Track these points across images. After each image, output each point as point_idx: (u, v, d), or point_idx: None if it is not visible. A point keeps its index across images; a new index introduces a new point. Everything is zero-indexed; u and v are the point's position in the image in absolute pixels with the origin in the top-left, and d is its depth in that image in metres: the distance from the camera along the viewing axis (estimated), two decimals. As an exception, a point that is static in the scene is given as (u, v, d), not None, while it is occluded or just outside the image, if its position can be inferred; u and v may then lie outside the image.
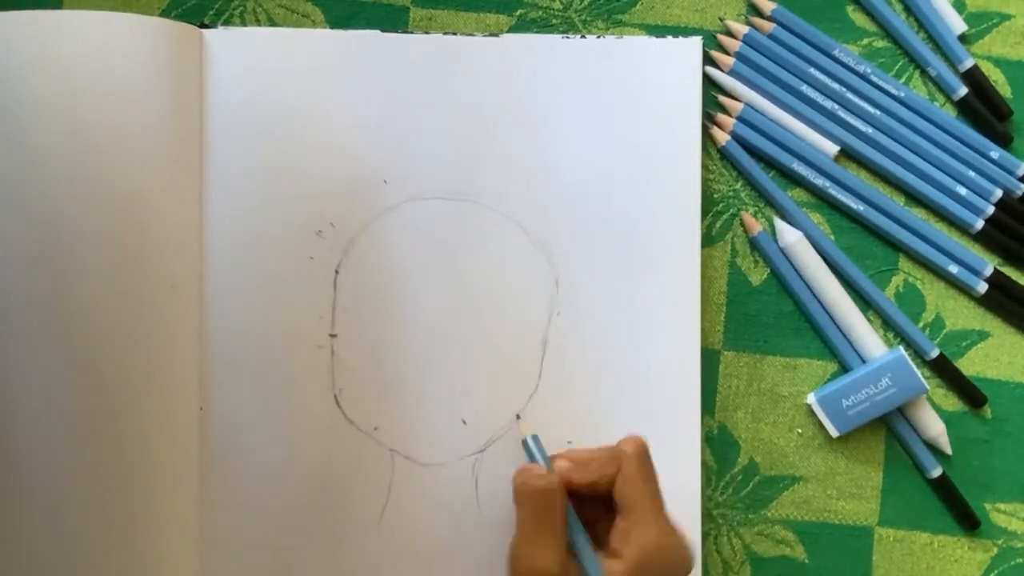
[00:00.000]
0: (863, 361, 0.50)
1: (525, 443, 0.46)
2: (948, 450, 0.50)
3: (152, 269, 0.47)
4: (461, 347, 0.49)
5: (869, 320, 0.51)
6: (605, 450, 0.44)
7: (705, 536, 0.50)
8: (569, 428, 0.48)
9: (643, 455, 0.43)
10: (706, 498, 0.50)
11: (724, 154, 0.51)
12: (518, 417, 0.48)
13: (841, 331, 0.50)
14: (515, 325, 0.49)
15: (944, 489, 0.50)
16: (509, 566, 0.43)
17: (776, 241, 0.51)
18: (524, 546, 0.42)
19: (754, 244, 0.51)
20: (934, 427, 0.50)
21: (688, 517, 0.48)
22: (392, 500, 0.48)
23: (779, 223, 0.51)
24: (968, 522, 0.50)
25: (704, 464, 0.50)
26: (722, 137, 0.51)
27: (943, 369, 0.51)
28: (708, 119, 0.52)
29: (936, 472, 0.50)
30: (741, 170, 0.51)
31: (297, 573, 0.47)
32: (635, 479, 0.43)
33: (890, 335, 0.51)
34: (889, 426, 0.50)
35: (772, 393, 0.50)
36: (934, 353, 0.51)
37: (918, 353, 0.51)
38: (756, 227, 0.51)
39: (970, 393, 0.51)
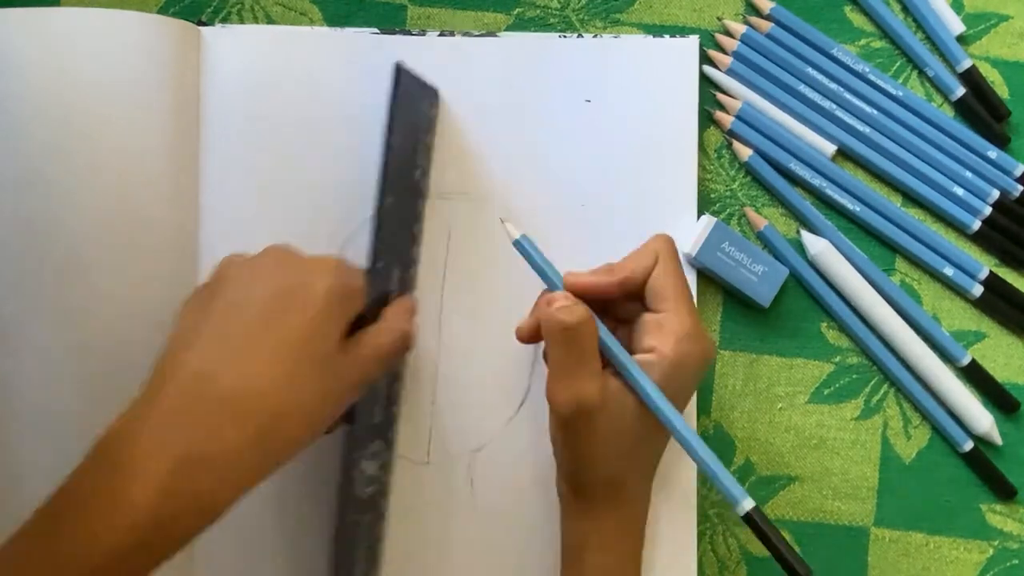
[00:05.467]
0: (904, 366, 0.50)
1: (517, 245, 0.43)
2: (999, 441, 0.50)
3: (149, 264, 0.47)
4: (456, 346, 0.49)
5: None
6: (634, 252, 0.44)
7: (701, 536, 0.49)
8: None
9: (674, 246, 0.44)
10: (702, 497, 0.50)
11: (747, 167, 0.51)
12: (503, 221, 0.43)
13: (879, 336, 0.50)
14: (509, 325, 0.48)
15: (978, 462, 0.50)
16: (551, 409, 0.42)
17: (783, 237, 0.51)
18: (562, 384, 0.41)
19: (761, 239, 0.51)
20: (983, 422, 0.50)
21: (684, 517, 0.48)
22: (389, 498, 0.48)
23: (805, 234, 0.51)
24: (1005, 492, 0.50)
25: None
26: (745, 153, 0.51)
27: (975, 375, 0.51)
28: (709, 118, 0.52)
29: (968, 446, 0.50)
30: (763, 182, 0.51)
31: (295, 570, 0.47)
32: (672, 268, 0.43)
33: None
34: (916, 405, 0.50)
35: (768, 393, 0.50)
36: (965, 360, 0.50)
37: (949, 359, 0.51)
38: (762, 222, 0.51)
39: (1003, 399, 0.51)
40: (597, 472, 0.42)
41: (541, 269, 0.43)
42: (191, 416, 0.36)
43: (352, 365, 0.39)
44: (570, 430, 0.42)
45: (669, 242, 0.44)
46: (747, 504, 0.39)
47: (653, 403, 0.41)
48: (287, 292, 0.38)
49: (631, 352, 0.42)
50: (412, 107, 0.47)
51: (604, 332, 0.42)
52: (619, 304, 0.44)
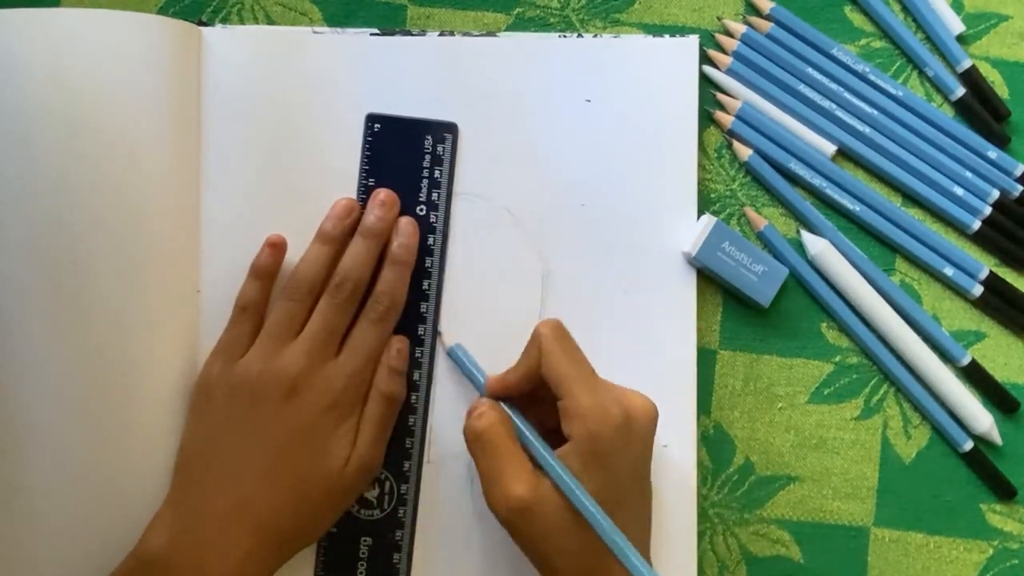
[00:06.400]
0: (904, 366, 0.50)
1: (451, 353, 0.48)
2: (999, 441, 0.50)
3: (149, 263, 0.47)
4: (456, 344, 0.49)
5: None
6: (526, 345, 0.44)
7: (701, 535, 0.50)
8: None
9: (558, 331, 0.43)
10: (702, 497, 0.50)
11: (747, 167, 0.51)
12: (439, 333, 0.48)
13: (879, 336, 0.50)
14: (507, 322, 0.49)
15: (978, 462, 0.50)
16: (493, 512, 0.42)
17: (783, 237, 0.51)
18: (490, 490, 0.42)
19: (761, 239, 0.51)
20: (983, 421, 0.50)
21: (684, 516, 0.48)
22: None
23: (805, 234, 0.51)
24: (1005, 492, 0.50)
25: (700, 464, 0.50)
26: (744, 153, 0.51)
27: (975, 375, 0.51)
28: (709, 118, 0.52)
29: (968, 446, 0.50)
30: (763, 182, 0.51)
31: (295, 566, 0.47)
32: (556, 354, 0.42)
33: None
34: (916, 405, 0.50)
35: (768, 393, 0.50)
36: (965, 360, 0.50)
37: (949, 359, 0.51)
38: (762, 222, 0.51)
39: (1003, 399, 0.51)
40: (561, 566, 0.41)
41: (471, 374, 0.47)
42: (228, 541, 0.43)
43: (349, 490, 0.46)
44: (515, 531, 0.42)
45: (548, 327, 0.43)
46: None
47: (569, 489, 0.41)
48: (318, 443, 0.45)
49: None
50: (394, 149, 0.49)
51: (524, 429, 0.43)
52: (550, 394, 0.43)
